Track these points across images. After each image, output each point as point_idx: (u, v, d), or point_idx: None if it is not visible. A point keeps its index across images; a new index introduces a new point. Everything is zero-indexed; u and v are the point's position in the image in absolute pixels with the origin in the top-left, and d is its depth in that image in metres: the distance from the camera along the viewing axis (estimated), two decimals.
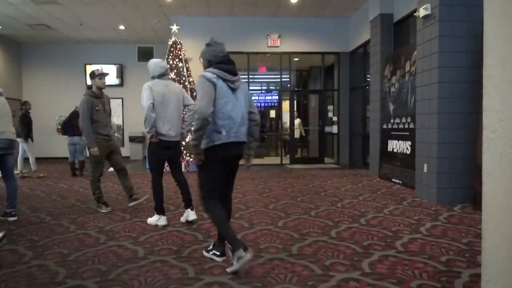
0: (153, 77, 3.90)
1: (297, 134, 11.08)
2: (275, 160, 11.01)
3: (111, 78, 11.65)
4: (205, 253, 2.96)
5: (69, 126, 8.04)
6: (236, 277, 2.53)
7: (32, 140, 7.95)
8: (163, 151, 3.87)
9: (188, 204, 4.00)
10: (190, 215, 3.97)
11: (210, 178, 2.75)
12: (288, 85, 11.00)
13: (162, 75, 3.88)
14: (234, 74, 2.71)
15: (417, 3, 5.40)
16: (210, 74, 2.64)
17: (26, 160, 7.98)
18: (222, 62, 2.70)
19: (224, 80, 2.65)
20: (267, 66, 12.28)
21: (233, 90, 2.70)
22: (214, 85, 2.60)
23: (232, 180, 2.95)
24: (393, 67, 6.84)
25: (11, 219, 4.12)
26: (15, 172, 7.64)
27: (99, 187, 4.57)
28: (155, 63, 3.93)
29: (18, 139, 7.51)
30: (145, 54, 12.29)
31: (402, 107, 6.43)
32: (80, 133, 8.15)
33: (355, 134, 9.91)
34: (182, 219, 4.07)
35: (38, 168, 8.11)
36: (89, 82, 12.36)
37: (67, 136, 8.10)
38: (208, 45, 2.78)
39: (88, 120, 4.38)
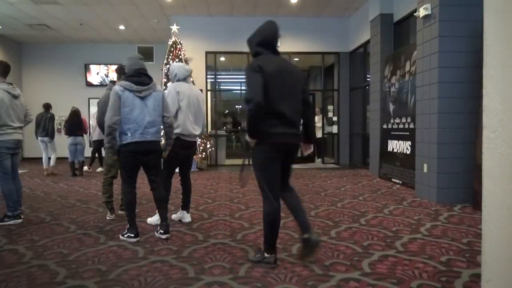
0: (178, 80, 3.91)
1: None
2: None
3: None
4: (121, 237, 3.40)
5: (74, 126, 8.10)
6: (236, 277, 2.53)
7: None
8: (183, 150, 3.83)
9: (186, 206, 4.04)
10: (186, 217, 4.02)
11: (124, 169, 3.38)
12: None
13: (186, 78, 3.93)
14: (143, 84, 3.26)
15: (417, 3, 5.41)
16: (118, 87, 3.23)
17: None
18: (134, 75, 3.27)
19: (131, 90, 3.21)
20: None
21: (142, 98, 3.25)
22: (119, 96, 3.19)
23: (153, 170, 3.49)
24: (393, 67, 6.84)
25: (16, 221, 4.11)
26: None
27: (109, 190, 4.28)
28: (180, 66, 3.93)
29: (45, 138, 7.99)
30: (145, 54, 12.26)
31: (402, 107, 6.43)
32: (82, 133, 8.20)
33: (355, 134, 9.90)
34: (175, 217, 4.10)
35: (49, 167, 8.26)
36: (91, 81, 12.45)
37: (68, 136, 8.15)
38: (128, 59, 3.38)
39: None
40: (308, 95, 2.89)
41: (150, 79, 3.35)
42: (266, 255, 2.75)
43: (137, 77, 3.27)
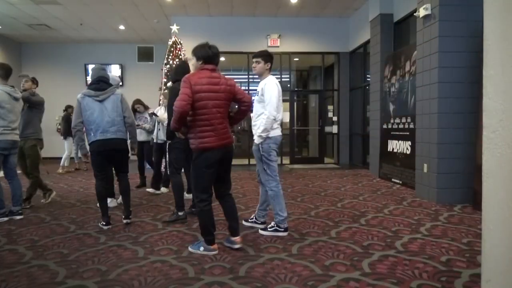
0: None
1: None
2: None
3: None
4: (99, 224, 3.86)
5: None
6: (236, 277, 2.53)
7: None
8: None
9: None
10: None
11: (93, 165, 3.82)
12: (288, 85, 10.99)
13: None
14: (101, 90, 3.75)
15: (417, 3, 5.41)
16: (80, 95, 3.76)
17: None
18: (93, 83, 3.79)
19: (89, 96, 3.72)
20: None
21: (100, 101, 3.73)
22: (80, 103, 3.72)
23: (120, 166, 3.96)
24: (393, 67, 6.84)
25: (18, 217, 4.22)
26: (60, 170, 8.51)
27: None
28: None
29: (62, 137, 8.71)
30: (145, 54, 12.28)
31: (402, 107, 6.43)
32: None
33: (355, 134, 9.90)
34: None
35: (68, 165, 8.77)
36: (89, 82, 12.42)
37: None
38: (91, 70, 3.95)
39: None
40: None
41: (108, 84, 3.84)
42: (179, 213, 4.00)
43: (95, 84, 3.77)
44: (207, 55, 2.97)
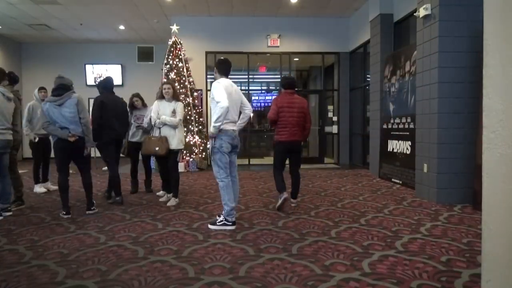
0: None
1: None
2: None
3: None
4: (60, 215, 4.31)
5: None
6: (236, 277, 2.53)
7: None
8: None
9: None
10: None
11: (57, 159, 4.29)
12: None
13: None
14: (58, 95, 4.20)
15: (417, 3, 5.40)
16: (43, 104, 4.33)
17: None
18: (53, 90, 4.27)
19: (50, 102, 4.19)
20: (267, 66, 12.28)
21: (59, 105, 4.19)
22: (42, 108, 4.27)
23: (79, 161, 4.43)
24: (393, 67, 6.84)
25: (7, 214, 4.30)
26: None
27: None
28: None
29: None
30: (145, 54, 12.28)
31: (402, 107, 6.43)
32: None
33: (355, 134, 9.90)
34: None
35: None
36: (89, 81, 12.40)
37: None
38: (54, 79, 4.36)
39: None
40: (127, 116, 5.31)
41: (65, 90, 4.24)
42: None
43: (55, 91, 4.23)
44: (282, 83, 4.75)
